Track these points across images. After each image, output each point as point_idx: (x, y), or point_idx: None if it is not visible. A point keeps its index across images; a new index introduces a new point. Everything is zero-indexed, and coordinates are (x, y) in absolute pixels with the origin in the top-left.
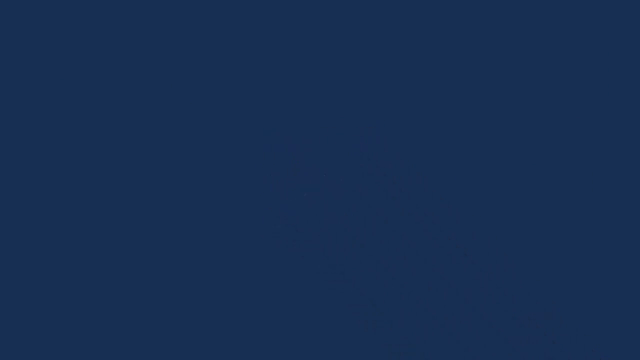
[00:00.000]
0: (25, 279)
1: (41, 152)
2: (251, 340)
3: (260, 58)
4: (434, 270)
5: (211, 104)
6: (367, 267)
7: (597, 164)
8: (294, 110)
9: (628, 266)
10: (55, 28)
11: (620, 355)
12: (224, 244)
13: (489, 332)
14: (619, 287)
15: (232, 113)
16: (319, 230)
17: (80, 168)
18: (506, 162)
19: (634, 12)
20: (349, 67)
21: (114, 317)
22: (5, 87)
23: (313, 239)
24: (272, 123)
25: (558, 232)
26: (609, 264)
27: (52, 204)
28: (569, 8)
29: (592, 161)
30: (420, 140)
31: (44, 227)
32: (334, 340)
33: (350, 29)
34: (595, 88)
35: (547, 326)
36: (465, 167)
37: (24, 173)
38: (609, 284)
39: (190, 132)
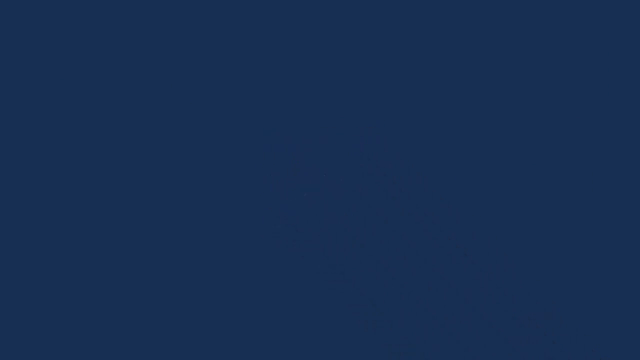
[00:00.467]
0: (25, 279)
1: (41, 152)
2: (251, 340)
3: (260, 58)
4: (434, 270)
5: (211, 104)
6: (367, 267)
7: (596, 164)
8: (294, 111)
9: (628, 266)
10: (55, 28)
11: (620, 355)
12: (224, 243)
13: (489, 332)
14: (619, 287)
15: (232, 113)
16: (319, 230)
17: (80, 168)
18: (506, 162)
19: (634, 12)
20: (348, 67)
21: (114, 317)
22: (5, 87)
23: (313, 239)
24: (272, 123)
25: (558, 232)
26: (609, 264)
27: (52, 204)
28: (568, 8)
29: (591, 161)
30: (420, 141)
31: (44, 227)
32: (334, 340)
33: (350, 29)
34: (595, 88)
35: (547, 326)
36: (465, 167)
37: (24, 173)
38: (609, 284)
39: (190, 132)
